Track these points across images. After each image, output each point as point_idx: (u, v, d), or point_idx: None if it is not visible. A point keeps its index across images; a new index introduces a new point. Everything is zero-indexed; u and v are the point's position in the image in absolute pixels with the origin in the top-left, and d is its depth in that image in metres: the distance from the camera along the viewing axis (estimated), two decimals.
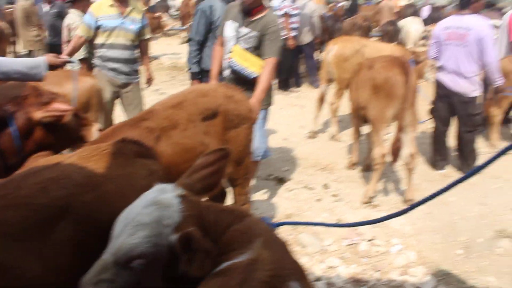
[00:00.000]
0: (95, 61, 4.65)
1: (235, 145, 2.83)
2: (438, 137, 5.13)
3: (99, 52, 4.56)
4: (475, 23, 4.55)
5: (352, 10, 12.11)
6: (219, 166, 1.60)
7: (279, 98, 8.15)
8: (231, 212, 1.49)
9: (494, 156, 0.86)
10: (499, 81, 4.81)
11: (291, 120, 6.93)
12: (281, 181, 4.80)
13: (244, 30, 3.59)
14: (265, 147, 4.03)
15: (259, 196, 4.48)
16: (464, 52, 4.57)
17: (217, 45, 3.93)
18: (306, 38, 8.82)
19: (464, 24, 4.58)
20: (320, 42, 9.78)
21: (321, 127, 6.59)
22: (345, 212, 4.16)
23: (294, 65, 9.02)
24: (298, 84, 9.15)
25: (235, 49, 3.60)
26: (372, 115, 4.08)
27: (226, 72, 3.81)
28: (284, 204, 4.32)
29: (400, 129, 3.92)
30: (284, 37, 8.29)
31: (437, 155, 5.16)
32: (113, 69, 4.57)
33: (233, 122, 2.78)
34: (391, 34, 9.76)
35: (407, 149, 4.06)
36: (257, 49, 3.60)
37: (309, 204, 4.33)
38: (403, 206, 4.30)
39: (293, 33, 8.31)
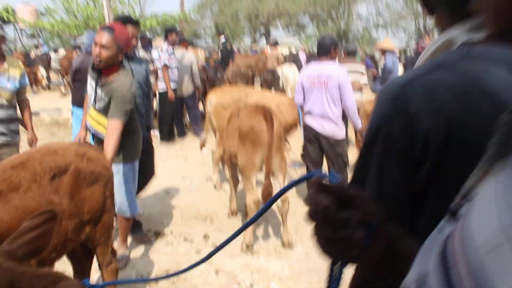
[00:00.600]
0: None
1: (91, 203, 2.72)
2: None
3: None
4: (334, 70, 4.91)
5: (226, 59, 12.31)
6: (45, 228, 1.51)
7: (162, 150, 8.08)
8: (47, 276, 1.41)
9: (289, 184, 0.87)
10: (358, 123, 5.21)
11: (174, 172, 6.86)
12: (160, 235, 4.66)
13: (98, 91, 3.52)
14: (132, 203, 3.91)
15: (136, 253, 4.30)
16: (327, 97, 4.89)
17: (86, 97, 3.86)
18: (187, 89, 8.92)
19: (324, 71, 4.92)
20: (202, 93, 9.96)
21: (204, 177, 6.60)
22: (224, 261, 4.12)
23: (176, 117, 9.05)
24: (181, 135, 9.16)
25: (90, 113, 3.54)
26: (241, 163, 4.17)
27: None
28: (163, 259, 4.19)
29: (270, 175, 4.04)
30: (164, 89, 8.33)
31: None
32: None
33: (86, 180, 2.68)
34: (270, 82, 10.25)
35: None
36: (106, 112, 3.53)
37: (188, 256, 4.24)
38: (282, 250, 4.40)
39: (173, 85, 8.36)
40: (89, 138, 3.95)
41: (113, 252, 3.16)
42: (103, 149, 3.34)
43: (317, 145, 5.13)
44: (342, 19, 30.10)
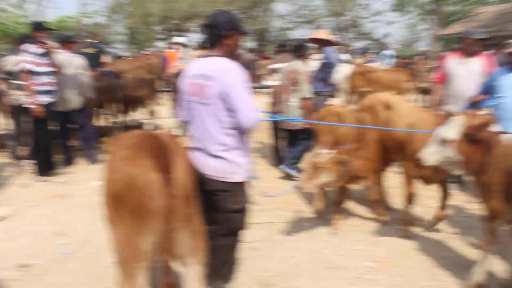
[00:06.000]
0: None
1: None
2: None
3: None
4: (218, 68, 2.86)
5: (95, 61, 8.81)
6: None
7: (36, 188, 5.90)
8: None
9: None
10: None
11: (44, 223, 4.73)
12: None
13: None
14: None
15: None
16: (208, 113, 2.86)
17: None
18: (73, 101, 6.78)
19: (205, 71, 2.88)
20: (96, 105, 7.79)
21: (92, 230, 4.55)
22: None
23: (63, 138, 6.88)
24: (68, 163, 6.94)
25: None
26: (115, 248, 2.24)
27: None
28: None
29: (170, 266, 2.15)
30: (25, 103, 6.07)
31: None
32: None
33: None
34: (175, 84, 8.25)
35: None
36: None
37: None
38: None
39: (47, 97, 6.15)
40: None
41: None
42: None
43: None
44: (260, 18, 28.71)
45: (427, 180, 4.36)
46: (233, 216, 2.95)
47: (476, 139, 3.25)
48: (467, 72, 5.48)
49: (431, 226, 4.51)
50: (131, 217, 2.09)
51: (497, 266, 3.74)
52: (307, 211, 5.14)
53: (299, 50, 6.17)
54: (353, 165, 4.07)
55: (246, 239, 3.90)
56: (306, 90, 5.95)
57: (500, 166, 3.11)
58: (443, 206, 4.45)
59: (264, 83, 8.16)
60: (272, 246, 4.22)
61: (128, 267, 2.17)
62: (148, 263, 2.21)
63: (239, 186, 2.93)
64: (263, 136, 8.00)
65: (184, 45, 10.51)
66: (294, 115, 5.88)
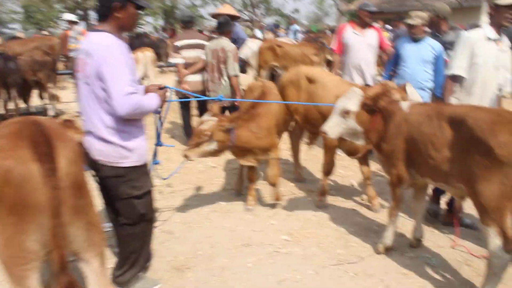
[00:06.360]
0: None
1: None
2: None
3: None
4: (97, 44, 2.59)
5: None
6: None
7: None
8: None
9: None
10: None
11: None
12: None
13: None
14: None
15: None
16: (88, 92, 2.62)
17: None
18: None
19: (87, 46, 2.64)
20: None
21: None
22: None
23: None
24: None
25: None
26: None
27: None
28: None
29: (66, 265, 1.94)
30: None
31: None
32: None
33: None
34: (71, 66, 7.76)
35: None
36: None
37: None
38: None
39: None
40: None
41: None
42: None
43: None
44: None
45: (352, 152, 4.39)
46: (135, 202, 2.76)
47: (374, 109, 3.32)
48: (362, 43, 5.69)
49: (375, 208, 4.43)
50: (11, 215, 1.84)
51: (405, 227, 3.92)
52: (221, 190, 5.06)
53: (223, 27, 5.93)
54: (237, 134, 3.97)
55: (159, 223, 3.75)
56: (234, 67, 5.80)
57: (400, 133, 3.19)
58: (369, 178, 4.51)
59: (170, 61, 7.87)
60: (187, 228, 4.10)
61: (16, 270, 1.92)
62: (39, 264, 1.98)
63: (134, 171, 2.72)
64: (175, 116, 7.76)
65: (75, 23, 9.88)
66: (224, 93, 5.69)
